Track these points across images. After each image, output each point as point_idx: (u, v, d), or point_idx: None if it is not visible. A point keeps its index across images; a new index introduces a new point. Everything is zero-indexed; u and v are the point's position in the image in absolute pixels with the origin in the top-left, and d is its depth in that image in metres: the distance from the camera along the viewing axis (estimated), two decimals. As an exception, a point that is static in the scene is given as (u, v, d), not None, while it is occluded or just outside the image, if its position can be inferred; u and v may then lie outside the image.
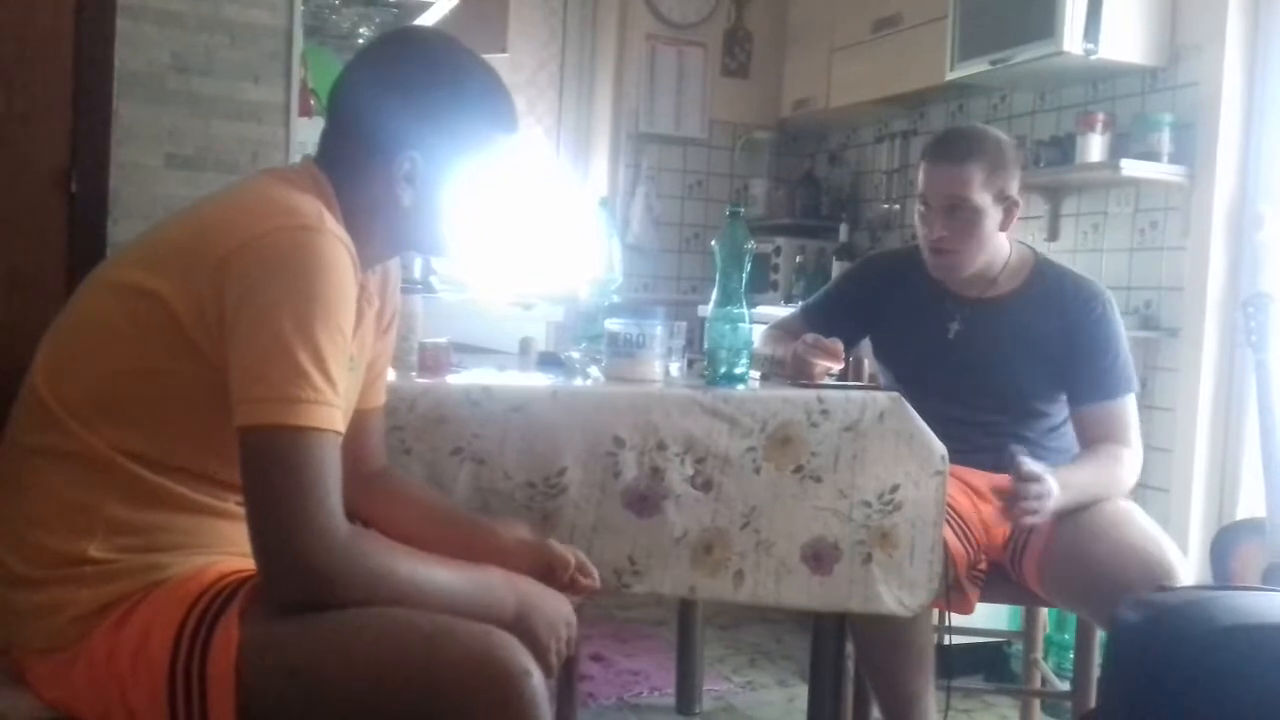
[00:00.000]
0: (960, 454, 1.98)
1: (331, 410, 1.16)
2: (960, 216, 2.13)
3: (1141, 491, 2.15)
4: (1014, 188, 2.18)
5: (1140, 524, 2.01)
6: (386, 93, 1.34)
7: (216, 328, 1.17)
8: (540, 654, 1.30)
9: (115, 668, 1.18)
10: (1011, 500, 1.90)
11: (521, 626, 1.29)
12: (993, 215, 2.15)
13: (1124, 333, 2.18)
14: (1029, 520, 1.93)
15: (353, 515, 1.26)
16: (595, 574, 1.49)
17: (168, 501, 1.23)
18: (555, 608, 1.36)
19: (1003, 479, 2.15)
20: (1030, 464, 1.91)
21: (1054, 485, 1.92)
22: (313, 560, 1.14)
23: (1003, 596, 2.19)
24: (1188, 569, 1.91)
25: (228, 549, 1.17)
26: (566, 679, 2.22)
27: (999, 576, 2.13)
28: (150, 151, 2.98)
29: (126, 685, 1.17)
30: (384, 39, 1.43)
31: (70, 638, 1.20)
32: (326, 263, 1.18)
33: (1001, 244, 2.20)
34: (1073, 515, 2.00)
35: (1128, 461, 2.11)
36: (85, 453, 1.21)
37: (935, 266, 2.21)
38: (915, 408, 1.85)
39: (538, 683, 1.17)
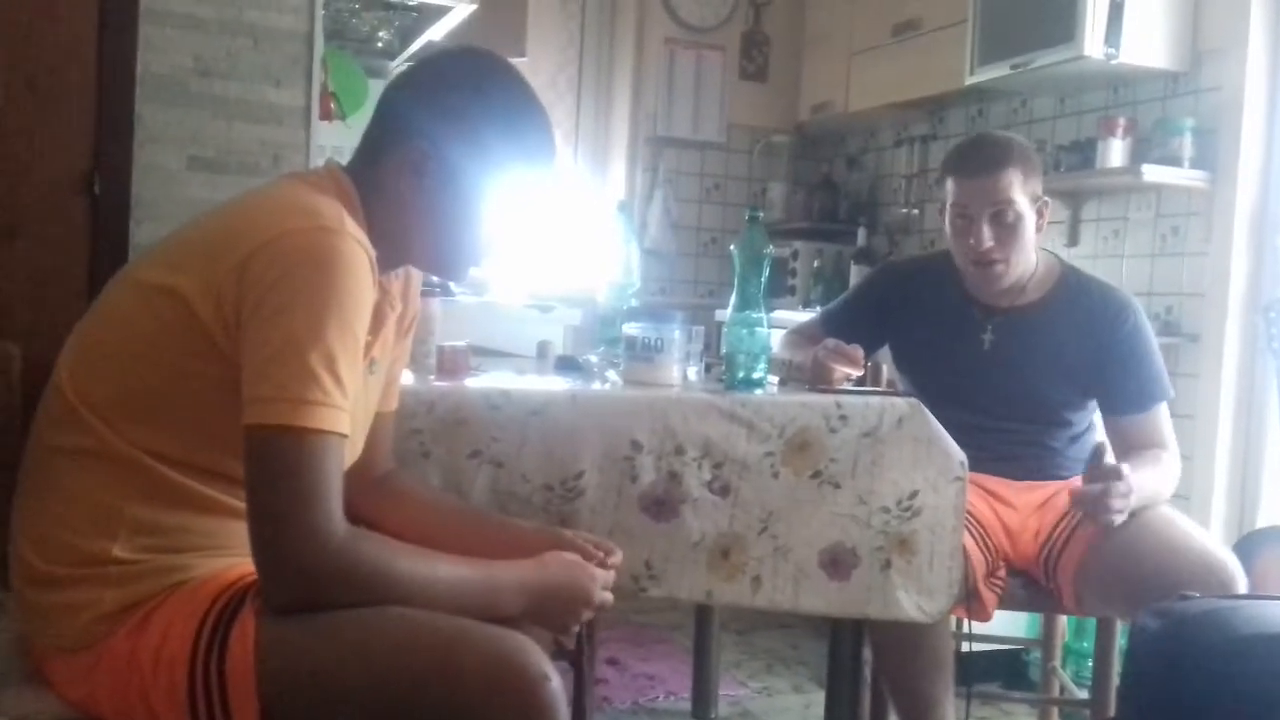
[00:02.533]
0: (984, 462, 1.98)
1: (338, 413, 1.16)
2: (1005, 223, 2.11)
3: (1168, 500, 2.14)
4: (1041, 188, 2.17)
5: (1192, 527, 2.01)
6: (416, 87, 1.37)
7: (235, 326, 1.18)
8: (558, 632, 1.34)
9: (137, 668, 1.18)
10: (1094, 500, 1.88)
11: (536, 616, 1.31)
12: (1030, 218, 2.14)
13: (1154, 340, 2.18)
14: (1116, 519, 1.90)
15: (362, 517, 1.26)
16: (614, 550, 1.47)
17: (191, 502, 1.24)
18: (572, 589, 1.35)
19: (1028, 487, 2.15)
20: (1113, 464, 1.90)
21: (1133, 484, 1.91)
22: (304, 563, 1.15)
23: (1024, 603, 2.18)
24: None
25: (249, 551, 1.17)
26: (582, 683, 2.22)
27: (1023, 583, 2.11)
28: (172, 154, 2.99)
29: (148, 685, 1.18)
30: (440, 49, 1.45)
31: (93, 637, 1.20)
32: (344, 264, 1.18)
33: (1032, 251, 2.19)
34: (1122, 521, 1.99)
35: (1167, 463, 2.11)
36: (109, 453, 1.21)
37: (983, 278, 2.17)
38: (937, 416, 1.84)
39: (556, 687, 1.17)
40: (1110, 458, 1.92)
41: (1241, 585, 1.85)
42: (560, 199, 4.57)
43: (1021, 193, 2.11)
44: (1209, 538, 1.99)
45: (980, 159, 2.14)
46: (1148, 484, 2.01)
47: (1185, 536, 1.96)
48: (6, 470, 1.33)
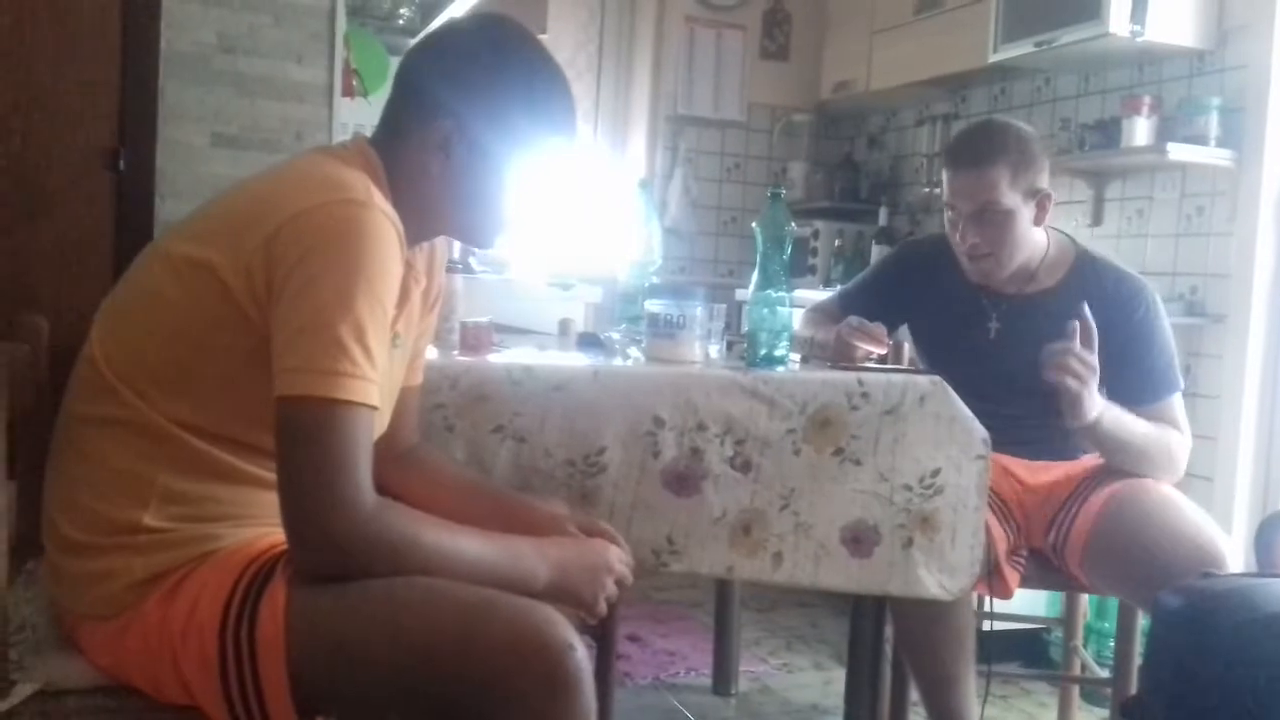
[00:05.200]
0: (997, 445, 1.96)
1: (367, 385, 1.17)
2: (991, 220, 2.07)
3: (1185, 480, 2.12)
4: (1044, 180, 2.11)
5: (1188, 510, 1.98)
6: (437, 60, 1.36)
7: (265, 299, 1.19)
8: (586, 606, 1.34)
9: (167, 636, 1.20)
10: (1053, 355, 1.89)
11: (559, 590, 1.31)
12: (1024, 213, 2.08)
13: (1169, 330, 2.12)
14: (1059, 378, 1.90)
15: (386, 490, 1.27)
16: (621, 540, 1.48)
17: (220, 472, 1.25)
18: (594, 559, 1.37)
19: (1043, 468, 2.14)
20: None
21: (1097, 403, 1.92)
22: (335, 532, 1.15)
23: (1043, 582, 2.18)
24: (1235, 556, 1.89)
25: (278, 520, 1.19)
26: (604, 657, 2.24)
27: (1040, 564, 2.11)
28: (196, 131, 3.02)
29: (178, 653, 1.19)
30: (459, 19, 1.45)
31: (123, 605, 1.22)
32: (372, 237, 1.19)
33: (1039, 238, 2.14)
34: (1119, 501, 1.98)
35: (1176, 438, 2.08)
36: (140, 423, 1.23)
37: (973, 273, 2.15)
38: (949, 399, 1.83)
39: (581, 657, 1.17)
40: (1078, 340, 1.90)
41: (1232, 569, 1.84)
42: (581, 173, 4.57)
43: (1010, 189, 2.05)
44: (1204, 523, 1.95)
45: (967, 155, 2.09)
46: (1134, 424, 2.00)
47: (1182, 520, 1.94)
48: (38, 441, 1.34)
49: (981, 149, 2.07)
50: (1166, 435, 2.07)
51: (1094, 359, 1.89)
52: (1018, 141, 2.08)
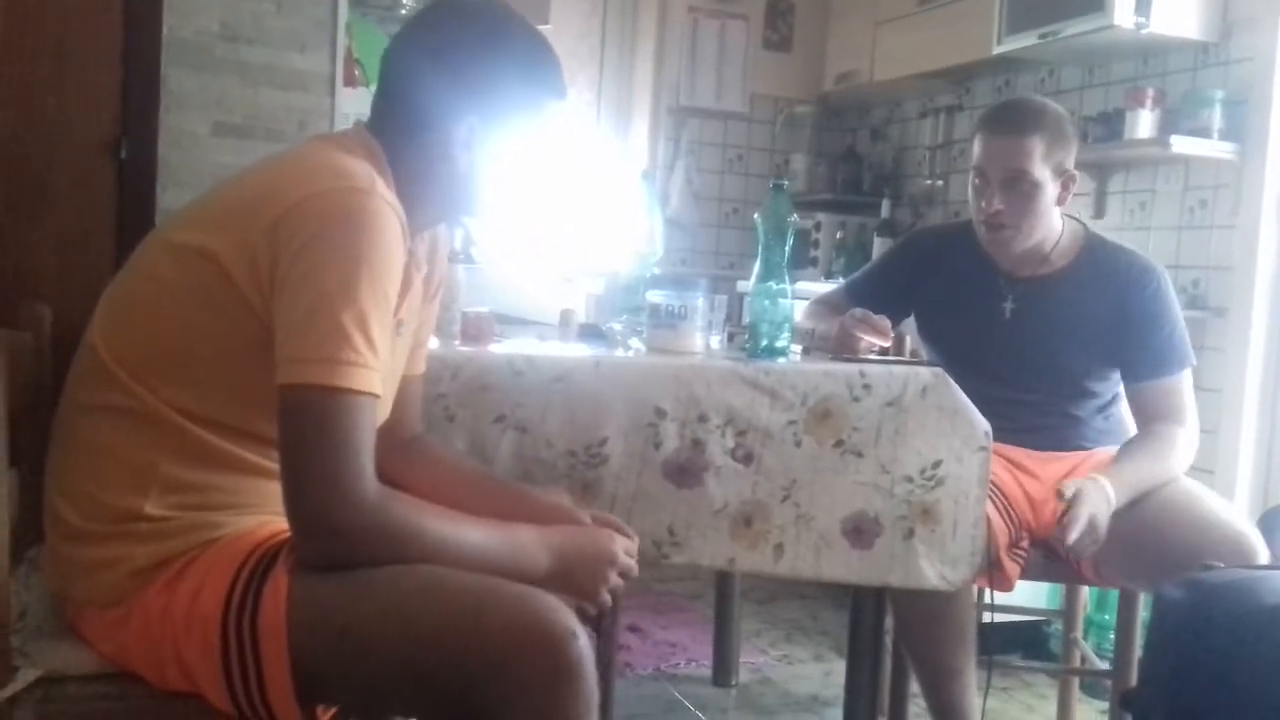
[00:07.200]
0: (1007, 433, 1.97)
1: (370, 373, 1.17)
2: (1019, 190, 2.08)
3: (1188, 473, 2.13)
4: (1071, 162, 2.13)
5: (1216, 501, 2.00)
6: (445, 61, 1.36)
7: (269, 286, 1.19)
8: (588, 596, 1.35)
9: (169, 623, 1.20)
10: (1071, 547, 1.91)
11: (561, 579, 1.32)
12: (1050, 189, 2.10)
13: (1178, 308, 2.16)
14: (1087, 553, 1.94)
15: (389, 480, 1.27)
16: (629, 532, 1.49)
17: (222, 461, 1.25)
18: (597, 550, 1.37)
19: (1051, 458, 2.14)
20: (1072, 517, 1.89)
21: (1107, 498, 1.92)
22: (337, 519, 1.16)
23: (1047, 574, 2.18)
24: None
25: (280, 509, 1.19)
26: (605, 648, 2.24)
27: (1044, 553, 2.11)
28: (198, 119, 3.02)
29: (180, 640, 1.20)
30: (435, 6, 1.44)
31: (125, 593, 1.22)
32: (375, 225, 1.19)
33: (1055, 220, 2.16)
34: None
35: (1181, 442, 2.08)
36: (142, 411, 1.23)
37: (990, 241, 2.16)
38: (960, 386, 1.83)
39: (584, 645, 1.18)
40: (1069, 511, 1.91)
41: (1263, 559, 1.85)
42: (584, 164, 4.55)
43: (1042, 162, 2.07)
44: (1233, 511, 1.98)
45: (1005, 122, 2.12)
46: (1142, 476, 2.00)
47: (1209, 510, 1.96)
48: (40, 428, 1.35)
49: (1021, 117, 2.11)
50: (1169, 454, 2.06)
51: (1093, 533, 1.90)
52: (1055, 118, 2.12)
